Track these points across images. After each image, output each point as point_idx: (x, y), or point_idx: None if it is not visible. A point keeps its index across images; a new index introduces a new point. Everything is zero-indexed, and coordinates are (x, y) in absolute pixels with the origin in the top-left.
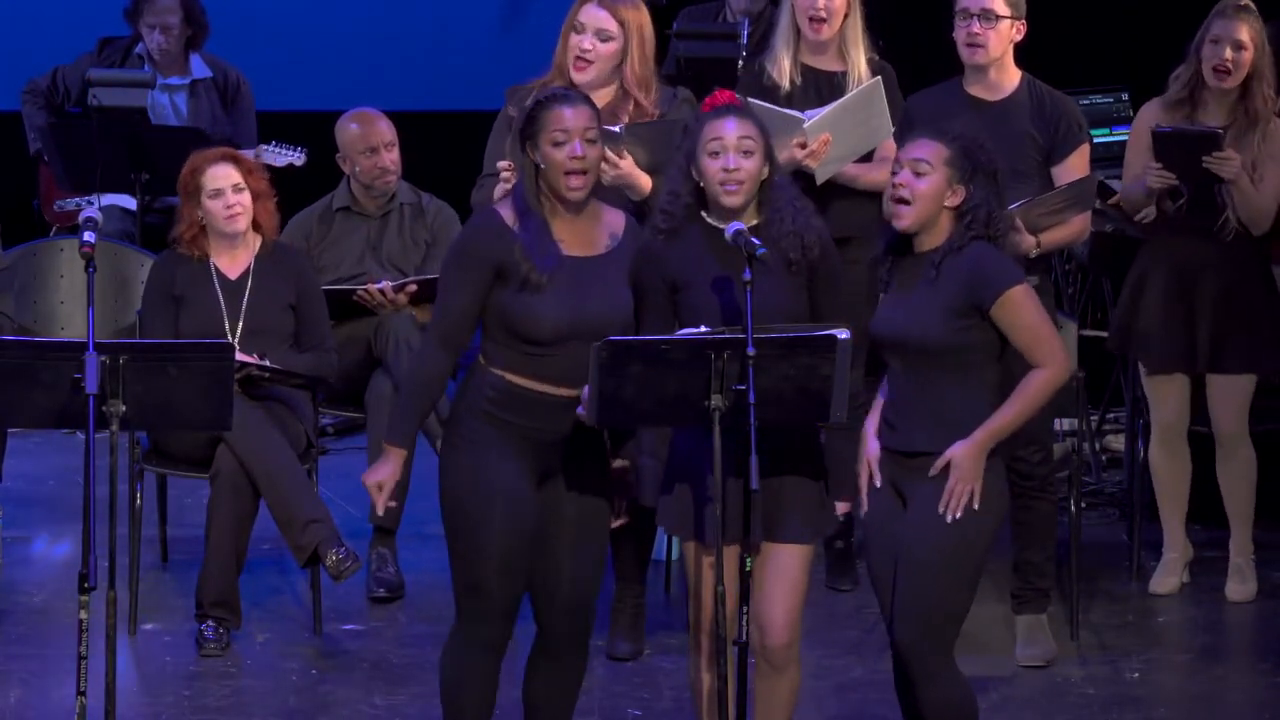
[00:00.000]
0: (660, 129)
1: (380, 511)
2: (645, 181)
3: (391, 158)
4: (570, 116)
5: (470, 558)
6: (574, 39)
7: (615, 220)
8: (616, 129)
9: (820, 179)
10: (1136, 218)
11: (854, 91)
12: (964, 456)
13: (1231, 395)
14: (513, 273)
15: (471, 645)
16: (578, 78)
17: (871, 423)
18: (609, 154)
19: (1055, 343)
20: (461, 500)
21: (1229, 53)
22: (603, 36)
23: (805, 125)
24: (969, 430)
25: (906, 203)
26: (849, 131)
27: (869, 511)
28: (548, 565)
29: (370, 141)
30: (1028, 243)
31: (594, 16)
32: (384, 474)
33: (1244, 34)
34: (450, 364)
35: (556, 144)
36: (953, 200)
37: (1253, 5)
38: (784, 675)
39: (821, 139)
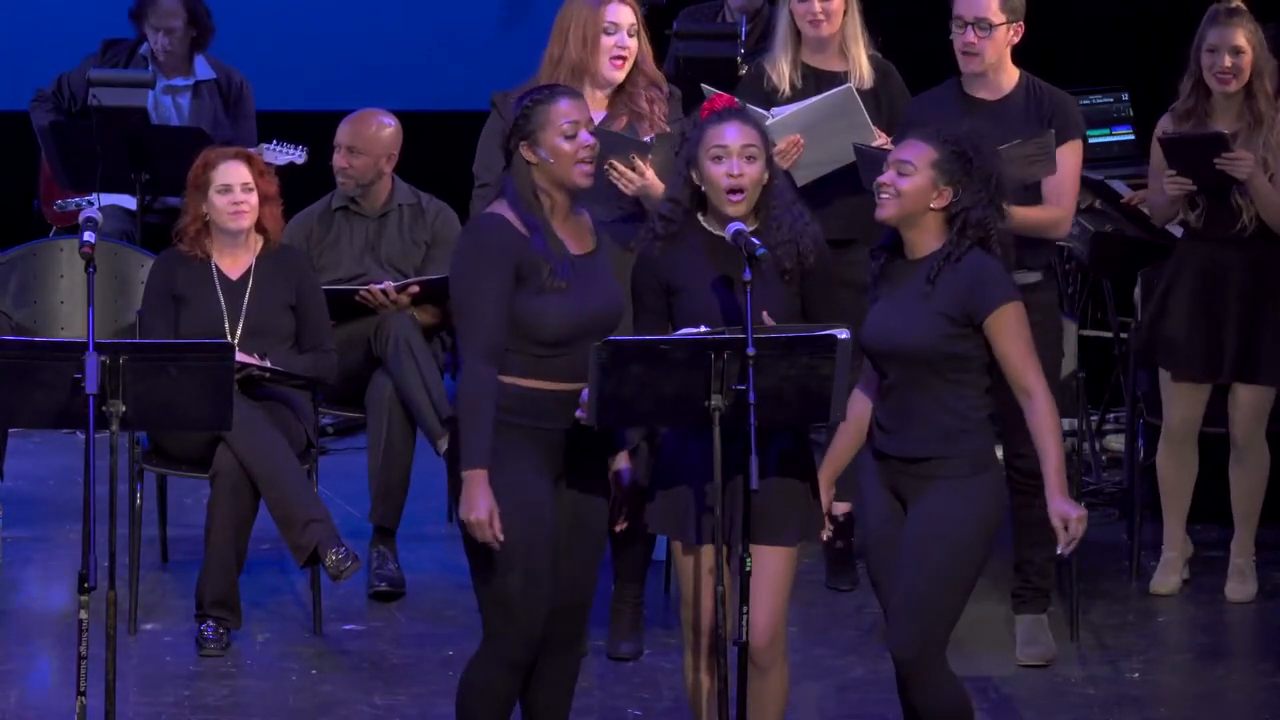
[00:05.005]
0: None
1: (501, 539)
2: (662, 190)
3: (344, 160)
4: (575, 109)
5: (497, 572)
6: (607, 40)
7: (586, 216)
8: (646, 139)
9: (800, 183)
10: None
11: (824, 95)
12: (1069, 512)
13: (1254, 403)
14: (529, 275)
15: (497, 664)
16: (616, 76)
17: (825, 473)
18: (637, 163)
19: (1040, 367)
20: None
21: (1228, 60)
22: (631, 32)
23: (769, 123)
24: (966, 433)
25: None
26: (828, 137)
27: (868, 517)
28: None
29: (337, 138)
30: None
31: (623, 14)
32: (486, 503)
33: (1240, 38)
34: (495, 374)
35: (567, 136)
36: (939, 202)
37: (1243, 7)
38: (769, 676)
39: (791, 140)
